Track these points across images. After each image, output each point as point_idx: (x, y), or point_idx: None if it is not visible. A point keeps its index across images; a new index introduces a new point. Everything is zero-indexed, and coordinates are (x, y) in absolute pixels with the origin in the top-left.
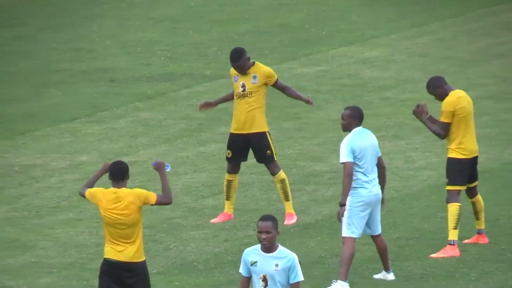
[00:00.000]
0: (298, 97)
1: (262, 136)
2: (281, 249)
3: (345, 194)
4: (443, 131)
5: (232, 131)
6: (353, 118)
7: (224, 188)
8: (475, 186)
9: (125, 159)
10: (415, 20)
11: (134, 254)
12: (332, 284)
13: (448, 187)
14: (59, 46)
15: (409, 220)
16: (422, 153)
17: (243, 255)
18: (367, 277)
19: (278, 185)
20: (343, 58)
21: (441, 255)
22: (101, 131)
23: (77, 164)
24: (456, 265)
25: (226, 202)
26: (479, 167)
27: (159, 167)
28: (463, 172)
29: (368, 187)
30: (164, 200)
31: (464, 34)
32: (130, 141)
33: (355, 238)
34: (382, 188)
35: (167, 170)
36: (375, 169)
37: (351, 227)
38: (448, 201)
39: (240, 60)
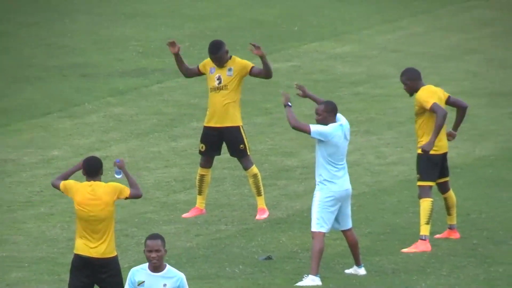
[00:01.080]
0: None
1: (235, 130)
2: (169, 269)
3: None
4: (440, 109)
5: (206, 124)
6: (329, 112)
7: (197, 183)
8: (446, 182)
9: (97, 154)
10: (387, 16)
11: (106, 250)
12: (303, 278)
13: (419, 183)
14: (31, 41)
15: (380, 215)
16: (394, 149)
17: (130, 274)
18: (338, 271)
19: (251, 180)
20: (315, 54)
21: (413, 250)
22: (73, 126)
23: (49, 159)
24: (428, 260)
25: (198, 197)
26: (450, 162)
27: (121, 165)
28: (434, 167)
29: (337, 182)
30: (136, 193)
31: (436, 30)
32: (102, 136)
33: (324, 233)
34: None
35: (118, 176)
36: (345, 164)
37: (320, 222)
38: (420, 197)
39: (219, 52)
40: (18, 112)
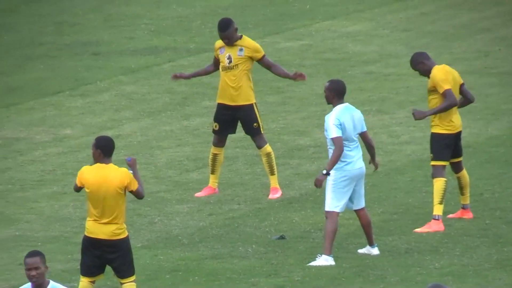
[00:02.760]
0: (285, 75)
1: (249, 108)
2: (52, 285)
3: (331, 165)
4: (451, 97)
5: (218, 100)
6: (331, 92)
7: (209, 162)
8: (460, 161)
9: (109, 133)
10: None
11: (115, 231)
12: (316, 258)
13: (433, 163)
14: (42, 19)
15: (393, 194)
16: (406, 128)
17: None
18: (351, 251)
19: (264, 159)
20: (326, 32)
21: (426, 230)
22: (85, 105)
23: (61, 138)
24: (441, 240)
25: (211, 176)
26: (463, 142)
27: (132, 164)
28: (448, 147)
29: (351, 162)
30: (141, 192)
31: (447, 9)
32: (114, 115)
33: (338, 212)
34: (373, 156)
35: (129, 161)
36: (358, 144)
37: (334, 202)
38: (433, 176)
39: (228, 30)
40: (29, 90)
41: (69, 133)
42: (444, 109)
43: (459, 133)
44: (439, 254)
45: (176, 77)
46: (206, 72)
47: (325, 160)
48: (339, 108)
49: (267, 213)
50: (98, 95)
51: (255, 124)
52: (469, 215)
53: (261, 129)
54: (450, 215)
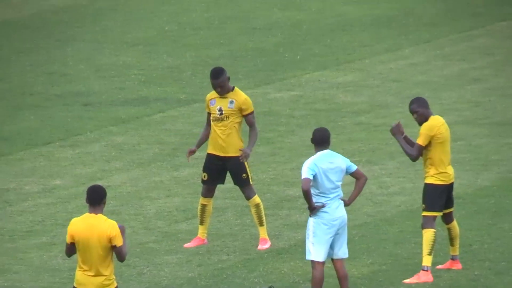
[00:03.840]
0: (249, 145)
1: (238, 159)
2: None
3: (308, 202)
4: (416, 152)
5: (208, 151)
6: (313, 142)
7: (198, 213)
8: (451, 212)
9: (99, 183)
10: (389, 45)
11: (104, 283)
12: None
13: (425, 213)
14: (33, 69)
15: (382, 245)
16: (396, 179)
17: None
18: None
19: (253, 210)
20: (317, 83)
21: (415, 281)
22: (75, 155)
23: (50, 188)
24: None
25: (200, 227)
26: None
27: (121, 231)
28: (440, 198)
29: (330, 211)
30: (124, 254)
31: (438, 59)
32: (104, 165)
33: (322, 262)
34: (354, 197)
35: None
36: (339, 190)
37: (314, 250)
38: (423, 227)
39: (220, 77)
40: (19, 140)
41: (58, 184)
42: (404, 150)
43: (452, 184)
44: None
45: (189, 154)
46: (207, 135)
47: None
48: (319, 154)
49: (256, 264)
50: (88, 146)
51: (244, 175)
52: (458, 266)
53: (250, 180)
54: (439, 266)
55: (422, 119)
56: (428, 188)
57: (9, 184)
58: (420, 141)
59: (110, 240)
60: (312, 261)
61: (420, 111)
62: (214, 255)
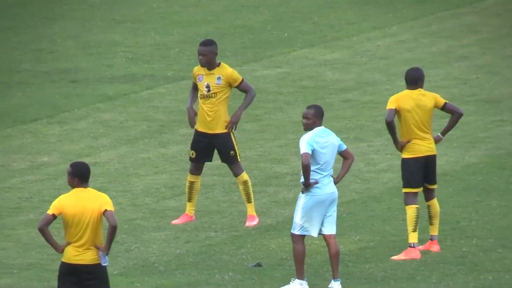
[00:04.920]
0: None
1: (226, 136)
2: None
3: (306, 177)
4: (387, 116)
5: (197, 128)
6: (317, 118)
7: (186, 190)
8: (432, 189)
9: (86, 160)
10: (377, 22)
11: (93, 257)
12: (290, 282)
13: (404, 190)
14: (20, 46)
15: (370, 222)
16: (384, 156)
17: None
18: (327, 279)
19: (241, 187)
20: (304, 60)
21: (402, 258)
22: (62, 132)
23: (38, 165)
24: (417, 268)
25: (188, 204)
26: (440, 170)
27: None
28: (416, 173)
29: (321, 187)
30: (113, 221)
31: (425, 36)
32: (91, 142)
33: (303, 236)
34: (341, 176)
35: (105, 264)
36: (331, 168)
37: (300, 223)
38: (405, 203)
39: (207, 46)
40: (6, 117)
41: (46, 161)
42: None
43: (430, 158)
44: (415, 282)
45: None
46: (195, 96)
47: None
48: (317, 130)
49: (244, 241)
50: (75, 123)
51: (231, 152)
52: (436, 247)
53: (238, 157)
54: (419, 247)
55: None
56: (402, 163)
57: None
58: (389, 105)
59: (101, 207)
60: (293, 235)
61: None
62: (201, 232)
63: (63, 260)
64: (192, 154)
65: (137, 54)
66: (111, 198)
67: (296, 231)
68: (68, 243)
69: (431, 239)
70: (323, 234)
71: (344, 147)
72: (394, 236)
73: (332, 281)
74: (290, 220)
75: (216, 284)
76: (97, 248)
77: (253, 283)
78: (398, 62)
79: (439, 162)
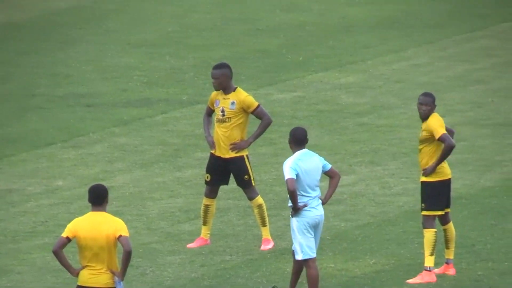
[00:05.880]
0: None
1: (240, 160)
2: None
3: (294, 202)
4: (450, 141)
5: (212, 152)
6: (291, 143)
7: (201, 213)
8: (447, 213)
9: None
10: (392, 46)
11: (108, 280)
12: None
13: (424, 213)
14: (36, 70)
15: (385, 246)
16: (399, 179)
17: None
18: None
19: (256, 210)
20: (319, 84)
21: (418, 281)
22: (77, 156)
23: (53, 189)
24: None
25: (203, 227)
26: (455, 193)
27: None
28: (439, 196)
29: (311, 209)
30: (128, 246)
31: (441, 60)
32: (107, 166)
33: (314, 258)
34: (329, 196)
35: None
36: (318, 189)
37: (305, 248)
38: (424, 227)
39: (218, 69)
40: (22, 142)
41: (61, 185)
42: (446, 154)
43: (449, 181)
44: None
45: (213, 143)
46: (210, 120)
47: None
48: (298, 153)
49: (259, 264)
50: (90, 147)
51: (246, 177)
52: (452, 271)
53: (252, 181)
54: (435, 270)
55: (428, 114)
56: (427, 186)
57: (12, 185)
58: (441, 130)
59: (116, 232)
60: (305, 260)
61: (431, 107)
62: (217, 256)
63: (78, 283)
64: (207, 178)
65: (152, 78)
66: (126, 222)
67: (305, 256)
68: (83, 267)
69: (447, 263)
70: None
71: (329, 166)
72: (409, 259)
73: None
74: None
75: None
76: (113, 273)
77: None
78: (413, 85)
79: (454, 186)
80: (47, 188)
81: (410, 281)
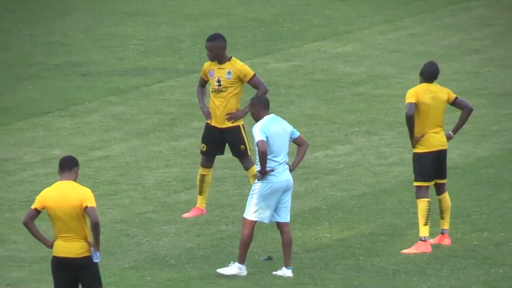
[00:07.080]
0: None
1: (236, 130)
2: None
3: (263, 165)
4: (406, 109)
5: (207, 122)
6: (255, 109)
7: (197, 183)
8: (443, 184)
9: (97, 153)
10: (388, 16)
11: (83, 250)
12: (230, 265)
13: (415, 183)
14: (32, 39)
15: (381, 215)
16: (395, 149)
17: None
18: (338, 272)
19: (252, 180)
20: (316, 53)
21: (413, 251)
22: (74, 125)
23: (49, 158)
24: (428, 261)
25: (199, 197)
26: (451, 163)
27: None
28: (428, 167)
29: (277, 174)
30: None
31: (437, 30)
32: (103, 135)
33: (255, 221)
34: (296, 163)
35: (97, 260)
36: (286, 155)
37: (254, 209)
38: (417, 197)
39: (213, 41)
40: (18, 110)
41: (57, 154)
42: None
43: (442, 152)
44: (426, 275)
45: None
46: (204, 93)
47: (314, 181)
48: (266, 118)
49: (255, 234)
50: (87, 116)
51: (242, 146)
52: (447, 241)
53: (248, 151)
54: (430, 241)
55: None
56: (414, 157)
57: (8, 154)
58: (408, 100)
59: (83, 202)
60: (245, 220)
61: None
62: (212, 225)
63: (53, 254)
64: (203, 147)
65: (148, 47)
66: (122, 191)
67: (250, 217)
68: (56, 238)
69: (442, 233)
70: (277, 222)
71: (297, 134)
72: (405, 229)
73: (284, 269)
74: (300, 214)
75: (227, 278)
76: (89, 244)
77: (264, 276)
78: (409, 55)
79: (450, 156)
80: (43, 157)
81: (405, 251)
